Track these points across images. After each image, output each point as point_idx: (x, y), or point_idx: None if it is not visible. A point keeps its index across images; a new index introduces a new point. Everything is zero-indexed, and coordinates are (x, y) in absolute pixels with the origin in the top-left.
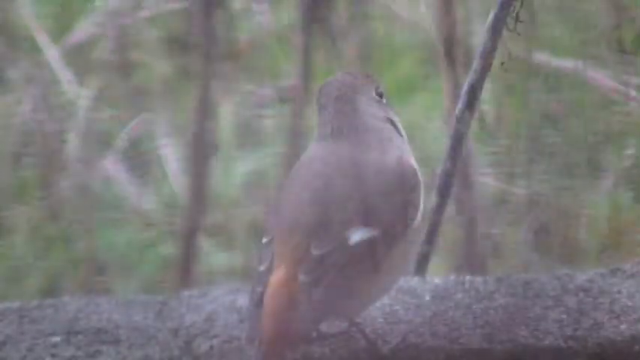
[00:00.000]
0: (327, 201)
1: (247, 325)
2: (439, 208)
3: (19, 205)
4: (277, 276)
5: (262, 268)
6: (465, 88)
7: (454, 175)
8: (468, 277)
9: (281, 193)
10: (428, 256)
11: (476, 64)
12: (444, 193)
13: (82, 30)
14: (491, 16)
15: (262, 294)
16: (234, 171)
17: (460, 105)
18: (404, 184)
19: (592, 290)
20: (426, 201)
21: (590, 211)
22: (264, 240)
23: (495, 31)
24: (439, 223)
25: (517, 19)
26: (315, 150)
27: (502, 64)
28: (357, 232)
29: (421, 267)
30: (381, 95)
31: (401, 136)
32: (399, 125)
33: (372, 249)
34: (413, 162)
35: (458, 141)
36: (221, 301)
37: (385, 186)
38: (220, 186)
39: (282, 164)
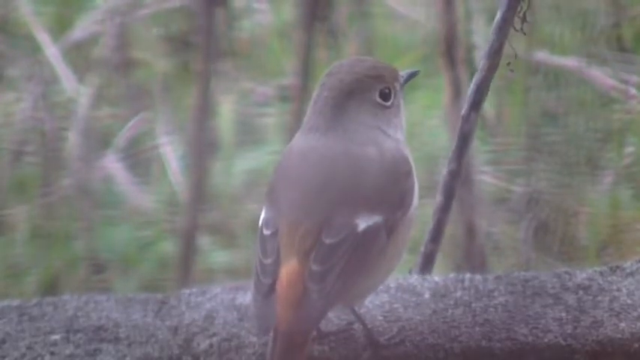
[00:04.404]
0: (334, 190)
1: (257, 315)
2: (444, 208)
3: (20, 202)
4: (290, 266)
5: (269, 260)
6: (471, 87)
7: (460, 175)
8: (467, 275)
9: (277, 184)
10: (433, 255)
11: (482, 63)
12: (449, 192)
13: (82, 28)
14: (498, 15)
15: (271, 285)
16: (234, 169)
17: (466, 105)
18: (400, 170)
19: (592, 288)
20: (422, 195)
21: (589, 209)
22: (267, 232)
23: (502, 31)
24: (444, 223)
25: (524, 19)
26: (306, 140)
27: (508, 64)
28: (364, 220)
29: (426, 266)
30: (386, 96)
31: (389, 137)
32: (397, 129)
33: (376, 235)
34: (404, 151)
35: (464, 141)
36: (220, 299)
37: (384, 172)
38: (220, 184)
39: None
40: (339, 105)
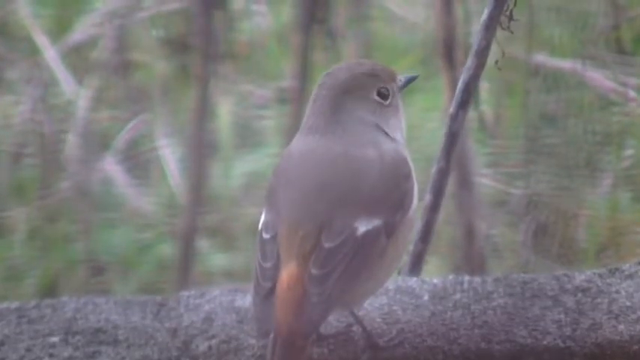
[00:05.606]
0: (334, 192)
1: (257, 318)
2: (434, 207)
3: (19, 205)
4: (290, 270)
5: (269, 264)
6: (458, 86)
7: (449, 173)
8: (466, 277)
9: (276, 186)
10: (422, 254)
11: (470, 62)
12: (438, 191)
13: (81, 31)
14: (485, 14)
15: (271, 289)
16: (233, 171)
17: (454, 103)
18: (400, 173)
19: (590, 290)
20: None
21: (588, 212)
22: (267, 236)
23: (489, 29)
24: (434, 222)
25: (510, 17)
26: (305, 142)
27: (496, 62)
28: (363, 223)
29: (416, 266)
30: (384, 95)
31: (388, 136)
32: (396, 129)
33: (376, 238)
34: (403, 152)
35: (452, 139)
36: (219, 302)
37: (384, 175)
38: (219, 186)
39: None
40: (337, 102)
